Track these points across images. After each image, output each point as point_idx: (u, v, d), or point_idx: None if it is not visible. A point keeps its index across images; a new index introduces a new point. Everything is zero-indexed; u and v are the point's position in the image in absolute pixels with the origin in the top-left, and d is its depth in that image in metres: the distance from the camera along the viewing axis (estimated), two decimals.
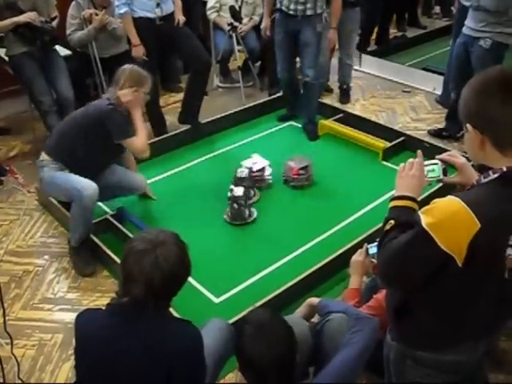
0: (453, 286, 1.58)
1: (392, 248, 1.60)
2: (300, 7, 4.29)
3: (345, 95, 5.57)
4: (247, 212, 3.67)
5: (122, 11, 4.21)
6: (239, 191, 3.62)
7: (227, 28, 5.41)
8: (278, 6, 4.46)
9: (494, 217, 1.48)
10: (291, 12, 4.34)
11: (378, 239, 2.52)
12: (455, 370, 1.76)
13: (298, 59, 4.83)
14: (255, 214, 3.71)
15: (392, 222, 1.67)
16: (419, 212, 1.56)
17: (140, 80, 3.33)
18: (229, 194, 3.66)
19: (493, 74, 1.55)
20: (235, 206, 3.62)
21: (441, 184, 1.97)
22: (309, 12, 4.31)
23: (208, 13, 5.58)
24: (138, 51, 4.27)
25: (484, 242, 1.46)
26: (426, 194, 3.18)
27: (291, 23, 4.41)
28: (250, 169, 3.86)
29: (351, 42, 5.38)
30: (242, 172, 3.77)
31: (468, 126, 1.57)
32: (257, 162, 4.01)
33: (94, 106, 3.37)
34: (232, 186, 3.68)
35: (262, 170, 3.98)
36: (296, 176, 3.96)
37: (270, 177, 4.02)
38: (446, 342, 1.71)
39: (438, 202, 1.54)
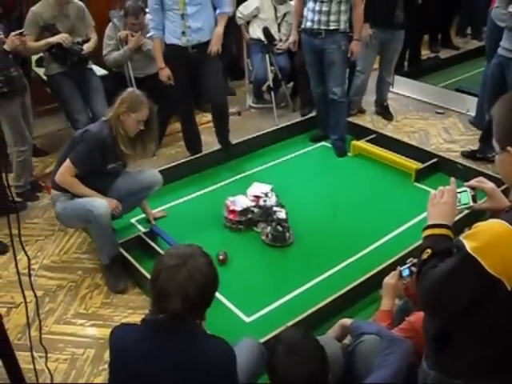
0: (500, 312, 1.54)
1: (434, 276, 1.56)
2: (323, 18, 4.32)
3: (387, 112, 5.61)
4: (287, 234, 3.65)
5: (148, 35, 4.34)
6: (283, 214, 3.61)
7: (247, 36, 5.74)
8: (303, 25, 4.52)
9: None
10: (315, 26, 4.37)
11: (409, 261, 2.54)
12: None
13: None
14: (293, 238, 3.67)
15: (429, 250, 1.63)
16: (461, 238, 1.53)
17: (134, 104, 3.21)
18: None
19: None
20: (279, 228, 3.59)
21: (468, 211, 1.93)
22: (332, 26, 4.34)
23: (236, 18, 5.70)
24: (162, 74, 4.32)
25: None
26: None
27: (316, 42, 4.46)
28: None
29: (394, 61, 5.44)
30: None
31: (509, 148, 1.55)
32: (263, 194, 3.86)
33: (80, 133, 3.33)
34: (275, 208, 3.66)
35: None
36: (233, 219, 3.78)
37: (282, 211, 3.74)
38: (489, 371, 1.65)
39: (481, 226, 1.51)
